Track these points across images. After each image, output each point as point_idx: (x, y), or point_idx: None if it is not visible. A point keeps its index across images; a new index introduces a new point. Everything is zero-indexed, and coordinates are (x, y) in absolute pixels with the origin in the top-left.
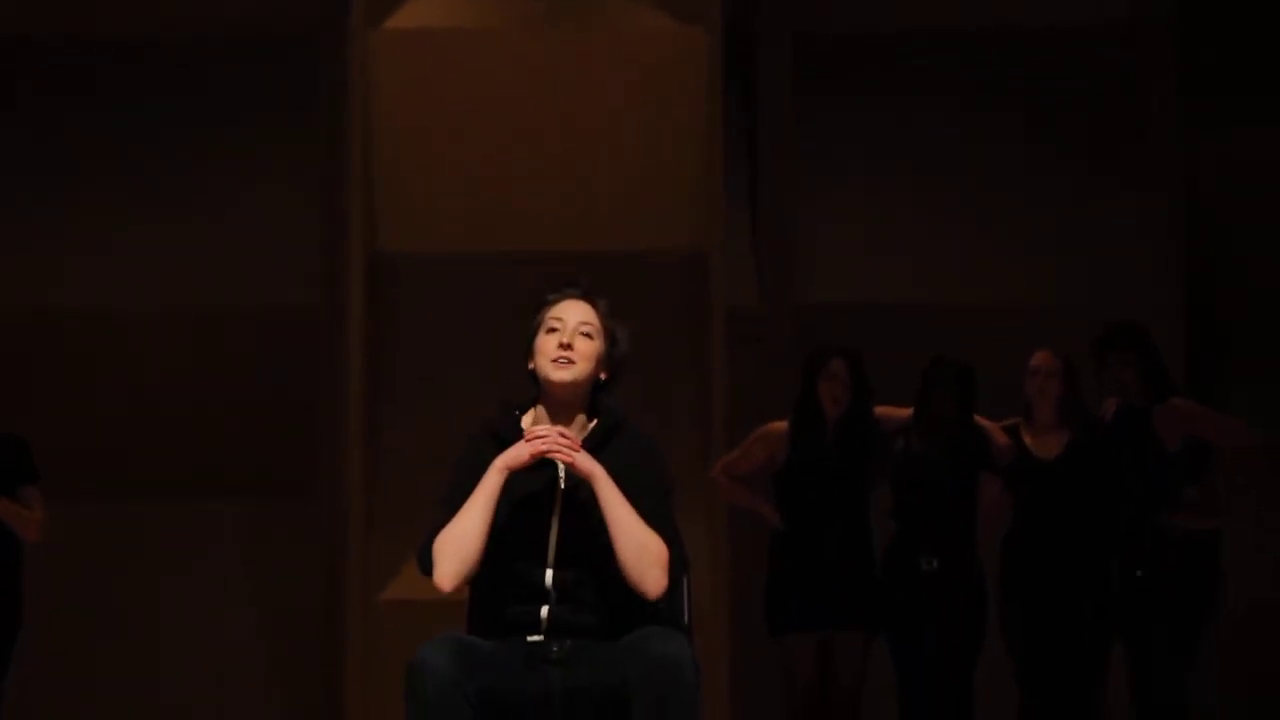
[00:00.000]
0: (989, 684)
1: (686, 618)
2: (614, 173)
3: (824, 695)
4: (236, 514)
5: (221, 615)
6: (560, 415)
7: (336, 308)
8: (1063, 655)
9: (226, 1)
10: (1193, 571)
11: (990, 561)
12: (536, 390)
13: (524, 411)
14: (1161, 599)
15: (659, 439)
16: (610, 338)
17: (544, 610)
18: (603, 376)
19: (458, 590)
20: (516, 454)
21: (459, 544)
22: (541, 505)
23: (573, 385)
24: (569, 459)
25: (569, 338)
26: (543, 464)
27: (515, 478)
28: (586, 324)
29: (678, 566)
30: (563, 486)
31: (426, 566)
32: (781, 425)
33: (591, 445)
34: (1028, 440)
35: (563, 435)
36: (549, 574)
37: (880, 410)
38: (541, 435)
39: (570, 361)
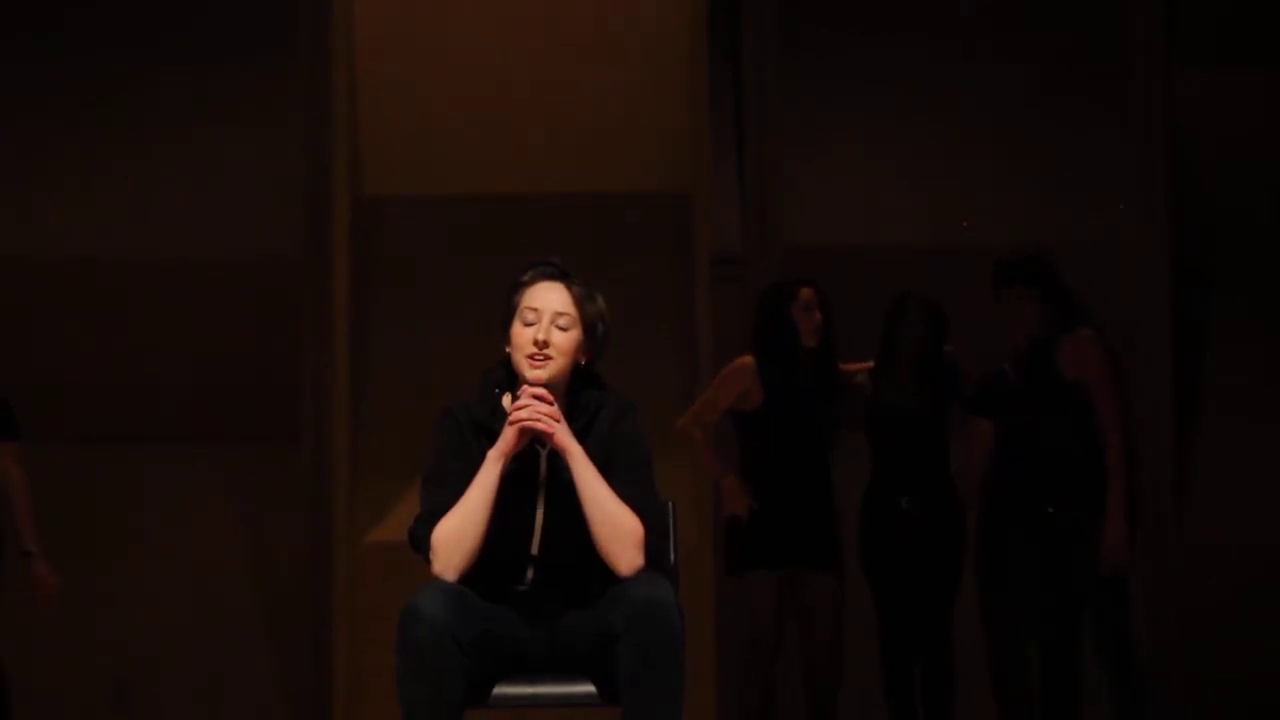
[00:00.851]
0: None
1: (673, 558)
2: (599, 115)
3: (779, 639)
4: (221, 460)
5: (208, 561)
6: None
7: (320, 252)
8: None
9: None
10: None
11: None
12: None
13: (504, 389)
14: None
15: (644, 381)
16: (588, 324)
17: (529, 572)
18: (582, 361)
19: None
20: (508, 440)
21: (460, 537)
22: (524, 495)
23: (549, 381)
24: (550, 429)
25: (544, 334)
26: (523, 454)
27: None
28: (563, 314)
29: (656, 542)
30: (544, 472)
31: (423, 551)
32: (748, 361)
33: (573, 430)
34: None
35: (540, 399)
36: (534, 550)
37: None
38: (521, 406)
39: (547, 358)
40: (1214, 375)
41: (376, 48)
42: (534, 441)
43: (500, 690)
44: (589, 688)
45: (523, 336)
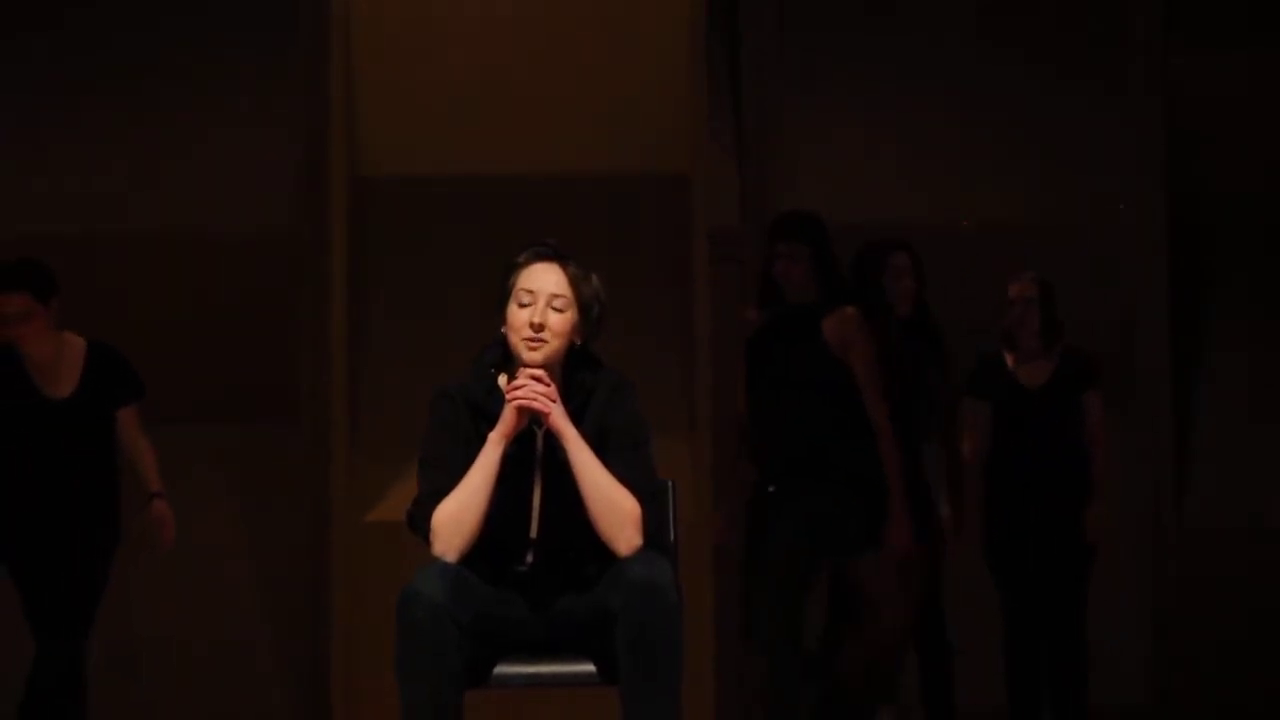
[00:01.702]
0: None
1: (672, 536)
2: (596, 94)
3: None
4: (220, 439)
5: (206, 541)
6: None
7: (318, 232)
8: (1047, 578)
9: None
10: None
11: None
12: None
13: (500, 370)
14: None
15: (641, 361)
16: (583, 305)
17: (529, 554)
18: (578, 341)
19: None
20: (508, 421)
21: (461, 519)
22: (522, 475)
23: (545, 363)
24: (546, 409)
25: (540, 316)
26: (520, 435)
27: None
28: (558, 296)
29: (654, 521)
30: (540, 453)
31: (423, 533)
32: (854, 311)
33: (569, 410)
34: (1013, 368)
35: (537, 380)
36: (533, 532)
37: None
38: (518, 386)
39: (543, 341)
40: (1213, 357)
41: (375, 27)
42: (530, 422)
43: (500, 670)
44: (588, 667)
45: (519, 319)
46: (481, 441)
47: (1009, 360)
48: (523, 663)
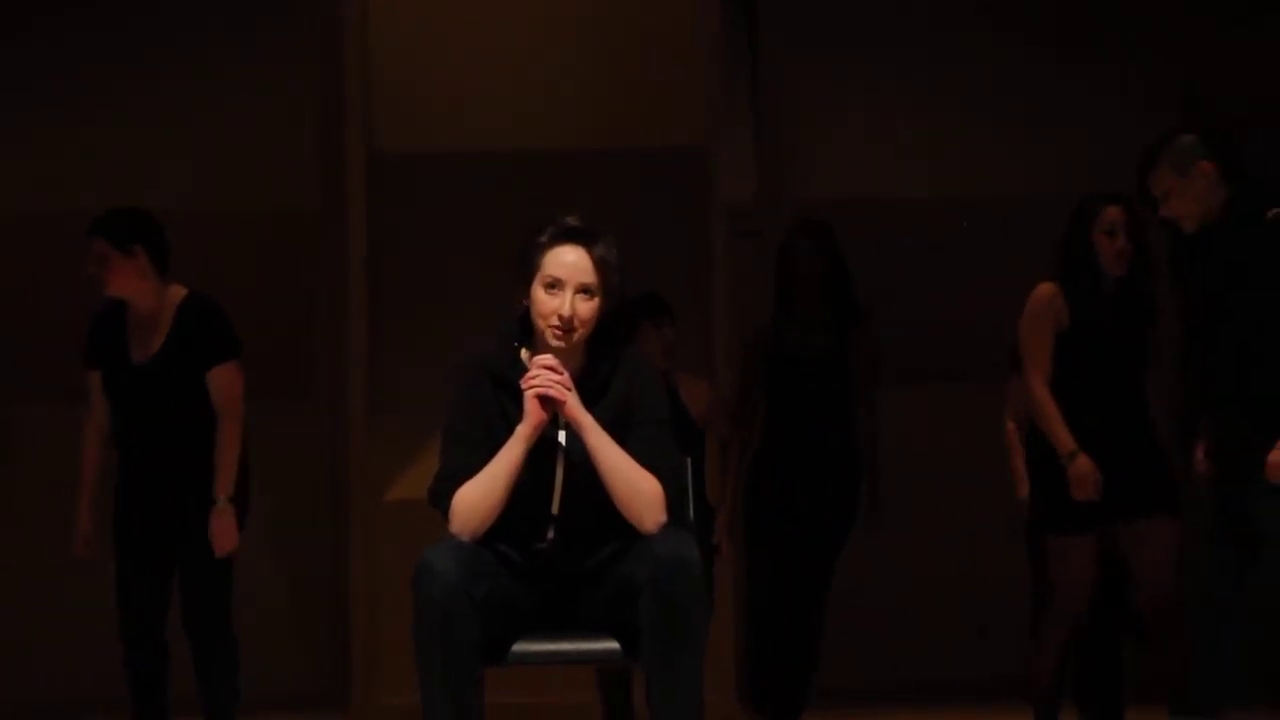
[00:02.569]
0: None
1: (691, 514)
2: (614, 69)
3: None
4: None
5: None
6: (559, 359)
7: (336, 207)
8: None
9: None
10: None
11: None
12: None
13: (522, 344)
14: None
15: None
16: (609, 288)
17: (550, 531)
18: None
19: None
20: (531, 418)
21: (478, 507)
22: (544, 448)
23: (570, 349)
24: (562, 396)
25: (569, 308)
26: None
27: (517, 417)
28: (586, 284)
29: (676, 498)
30: (561, 437)
31: (443, 510)
32: (1048, 290)
33: (589, 390)
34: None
35: (552, 370)
36: (555, 507)
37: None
38: (533, 377)
39: (572, 330)
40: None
41: (391, 5)
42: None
43: (520, 647)
44: (611, 644)
45: (546, 306)
46: (503, 414)
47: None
48: (543, 640)
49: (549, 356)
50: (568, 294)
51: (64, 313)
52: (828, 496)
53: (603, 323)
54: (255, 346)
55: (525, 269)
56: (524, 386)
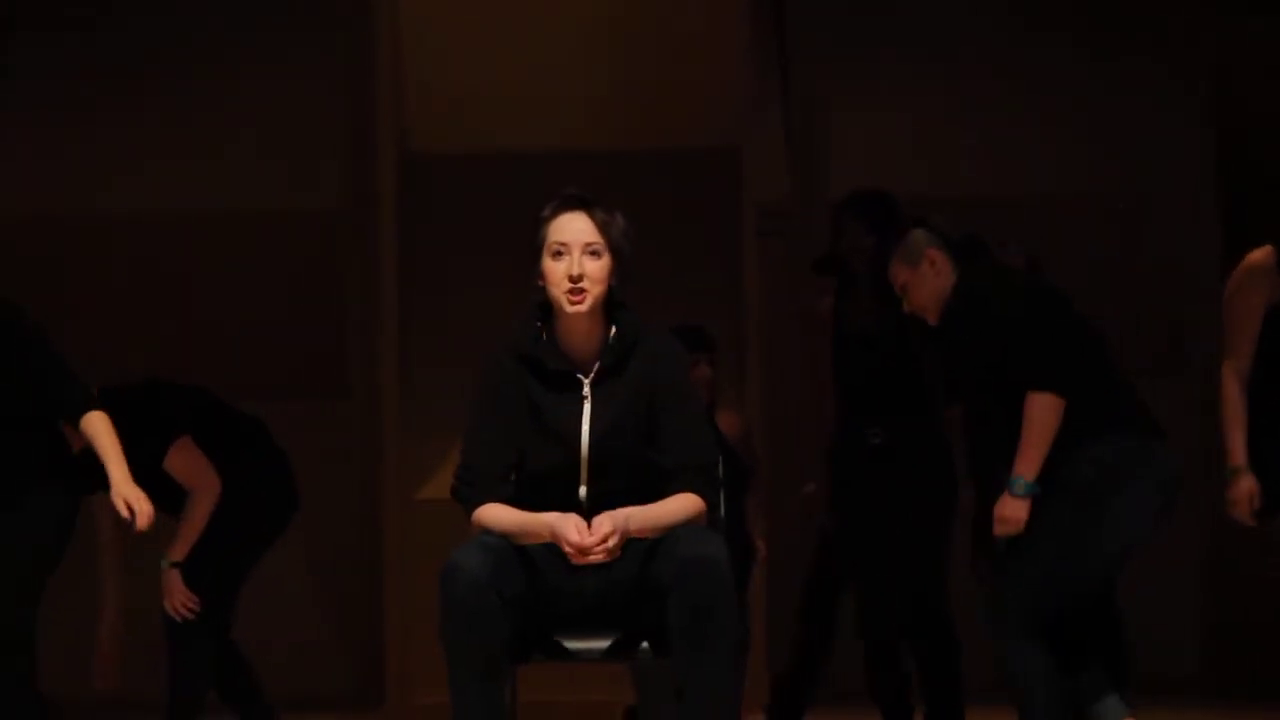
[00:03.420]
0: None
1: (722, 511)
2: (646, 70)
3: None
4: (272, 415)
5: None
6: (579, 332)
7: (368, 207)
8: None
9: None
10: None
11: None
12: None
13: (544, 322)
14: None
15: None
16: (615, 248)
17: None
18: (614, 283)
19: None
20: (563, 533)
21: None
22: (570, 421)
23: (590, 313)
24: (613, 557)
25: (577, 267)
26: (566, 387)
27: (543, 400)
28: (591, 244)
29: (715, 487)
30: (589, 406)
31: (463, 505)
32: (1262, 257)
33: (612, 361)
34: None
35: (597, 550)
36: (583, 489)
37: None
38: (577, 549)
39: (584, 291)
40: None
41: (423, 5)
42: (574, 371)
43: (549, 645)
44: (640, 643)
45: (556, 272)
46: (525, 392)
47: None
48: (573, 637)
49: (588, 541)
50: (574, 255)
51: (91, 312)
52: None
53: (622, 298)
54: (288, 346)
55: (535, 248)
56: (575, 557)
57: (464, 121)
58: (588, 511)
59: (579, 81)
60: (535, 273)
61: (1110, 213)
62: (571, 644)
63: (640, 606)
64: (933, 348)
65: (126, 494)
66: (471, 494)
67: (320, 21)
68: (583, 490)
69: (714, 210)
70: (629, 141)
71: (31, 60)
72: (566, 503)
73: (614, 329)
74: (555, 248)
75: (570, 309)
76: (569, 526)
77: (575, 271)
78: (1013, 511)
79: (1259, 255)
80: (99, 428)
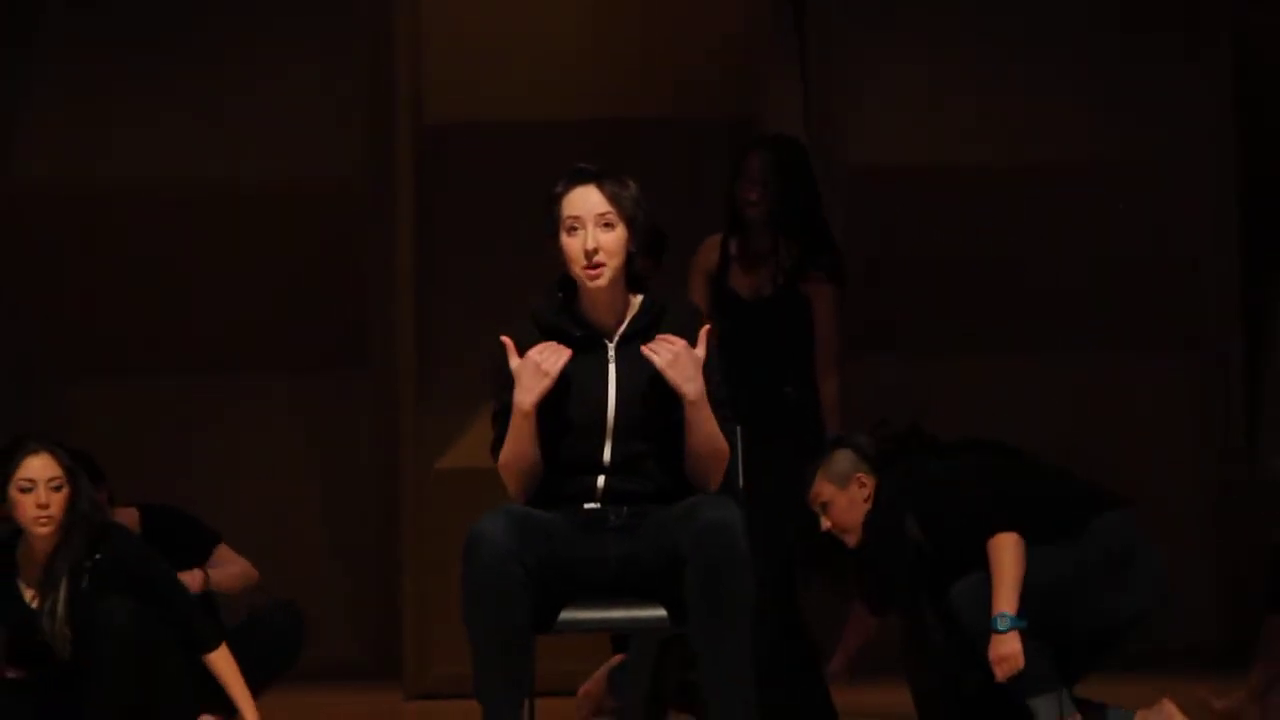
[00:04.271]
0: None
1: (741, 482)
2: (664, 41)
3: None
4: (291, 387)
5: (278, 489)
6: (601, 303)
7: (386, 180)
8: None
9: None
10: None
11: None
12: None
13: (567, 296)
14: None
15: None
16: (629, 218)
17: (600, 480)
18: (633, 251)
19: None
20: (529, 392)
21: (510, 467)
22: (596, 383)
23: (610, 285)
24: (689, 384)
25: (593, 241)
26: (591, 350)
27: (569, 365)
28: (604, 215)
29: (732, 421)
30: (613, 374)
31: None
32: None
33: (639, 328)
34: None
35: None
36: (608, 447)
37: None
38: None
39: (601, 265)
40: None
41: None
42: (602, 336)
43: (569, 615)
44: (659, 611)
45: (573, 248)
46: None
47: None
48: (592, 607)
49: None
50: (588, 228)
51: (117, 287)
52: None
53: (642, 271)
54: (306, 317)
55: (551, 228)
56: (649, 353)
57: (481, 90)
58: (610, 472)
59: (597, 53)
60: (556, 250)
61: (1134, 181)
62: (591, 614)
63: (660, 574)
64: (858, 565)
65: None
66: (496, 458)
67: None
68: (607, 451)
69: (729, 181)
70: (647, 112)
71: (57, 33)
72: (590, 464)
73: (640, 296)
74: (569, 223)
75: (591, 284)
76: (524, 361)
77: (590, 245)
78: (1007, 648)
79: None
80: (224, 667)
